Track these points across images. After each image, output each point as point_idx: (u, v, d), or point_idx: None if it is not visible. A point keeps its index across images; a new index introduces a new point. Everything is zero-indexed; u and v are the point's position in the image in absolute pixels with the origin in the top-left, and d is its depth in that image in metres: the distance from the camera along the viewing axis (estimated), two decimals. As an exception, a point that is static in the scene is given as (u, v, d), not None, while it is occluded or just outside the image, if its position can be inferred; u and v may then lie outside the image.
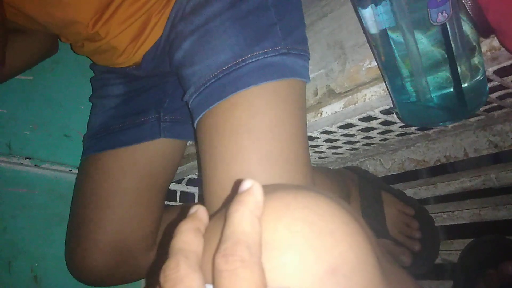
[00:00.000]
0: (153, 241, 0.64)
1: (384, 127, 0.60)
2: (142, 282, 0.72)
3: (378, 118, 0.55)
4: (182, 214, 0.63)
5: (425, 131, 0.67)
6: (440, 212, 0.70)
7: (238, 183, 0.26)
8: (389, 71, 0.43)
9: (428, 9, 0.36)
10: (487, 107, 0.57)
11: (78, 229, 0.60)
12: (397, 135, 0.67)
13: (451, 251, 0.68)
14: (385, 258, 0.32)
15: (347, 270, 0.24)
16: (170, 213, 0.68)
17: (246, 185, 0.25)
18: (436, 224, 0.68)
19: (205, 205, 0.43)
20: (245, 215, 0.23)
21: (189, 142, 0.69)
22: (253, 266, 0.21)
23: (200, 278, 0.22)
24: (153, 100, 0.64)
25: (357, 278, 0.24)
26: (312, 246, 0.24)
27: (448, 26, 0.37)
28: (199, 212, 0.26)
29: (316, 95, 0.51)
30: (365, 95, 0.48)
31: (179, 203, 0.80)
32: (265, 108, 0.43)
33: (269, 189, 0.27)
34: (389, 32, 0.40)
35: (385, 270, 0.28)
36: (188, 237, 0.24)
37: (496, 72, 0.45)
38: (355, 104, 0.48)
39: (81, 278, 0.60)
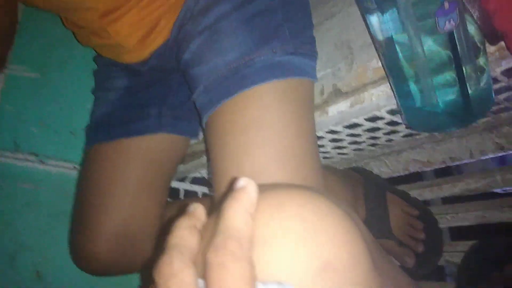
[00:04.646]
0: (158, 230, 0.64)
1: (390, 127, 0.60)
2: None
3: (384, 118, 0.55)
4: (181, 210, 0.63)
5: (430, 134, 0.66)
6: (445, 214, 0.70)
7: (234, 181, 0.26)
8: (394, 76, 0.43)
9: (436, 17, 0.36)
10: (494, 108, 0.57)
11: (82, 216, 0.60)
12: (403, 136, 0.66)
13: (454, 253, 0.68)
14: (382, 257, 0.32)
15: (339, 266, 0.24)
16: (173, 208, 0.69)
17: (240, 183, 0.25)
18: (440, 226, 0.68)
19: (216, 201, 0.44)
20: (237, 211, 0.23)
21: (193, 140, 0.69)
22: (243, 260, 0.21)
23: (193, 273, 0.22)
24: (156, 95, 0.64)
25: (350, 275, 0.24)
26: (304, 242, 0.24)
27: (455, 33, 0.37)
28: (196, 209, 0.27)
29: (323, 94, 0.52)
30: (372, 94, 0.48)
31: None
32: (275, 106, 0.43)
33: (265, 188, 0.27)
34: (395, 39, 0.40)
35: (380, 269, 0.29)
36: (184, 234, 0.24)
37: (503, 73, 0.45)
38: (361, 103, 0.48)
39: (85, 267, 0.60)
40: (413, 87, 0.42)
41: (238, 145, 0.42)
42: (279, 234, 0.24)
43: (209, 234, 0.25)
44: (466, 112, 0.41)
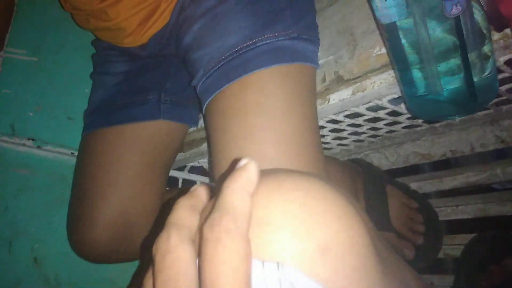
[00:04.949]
0: None
1: (391, 118, 0.59)
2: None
3: (385, 108, 0.54)
4: (182, 193, 0.63)
5: (431, 125, 0.66)
6: (444, 206, 0.70)
7: (235, 162, 0.26)
8: (399, 63, 0.42)
9: (443, 1, 0.36)
10: (496, 100, 0.56)
11: (80, 203, 0.60)
12: (404, 127, 0.66)
13: (454, 246, 0.67)
14: (384, 246, 0.32)
15: (338, 250, 0.24)
16: (172, 194, 0.68)
17: (241, 162, 0.25)
18: (440, 218, 0.68)
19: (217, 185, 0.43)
20: (235, 190, 0.23)
21: (192, 128, 0.69)
22: (238, 236, 0.21)
23: (190, 250, 0.22)
24: (155, 81, 0.63)
25: (349, 259, 0.24)
26: (303, 225, 0.24)
27: (461, 19, 0.37)
28: (198, 190, 0.27)
29: (324, 81, 0.51)
30: (374, 82, 0.47)
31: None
32: (277, 91, 0.42)
33: (267, 172, 0.27)
34: (399, 24, 0.40)
35: (382, 256, 0.28)
36: (183, 213, 0.24)
37: (507, 63, 0.45)
38: (363, 91, 0.48)
39: (83, 254, 0.60)
40: (417, 74, 0.41)
41: (240, 130, 0.42)
42: (277, 216, 0.24)
43: (207, 213, 0.25)
44: (470, 100, 0.40)
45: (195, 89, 0.50)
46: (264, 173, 0.27)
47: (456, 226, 0.70)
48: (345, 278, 0.24)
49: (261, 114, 0.41)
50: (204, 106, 0.48)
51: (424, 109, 0.43)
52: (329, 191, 0.26)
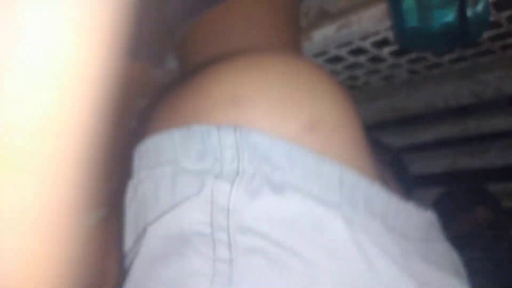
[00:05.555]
0: None
1: (371, 65, 0.57)
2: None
3: (367, 52, 0.52)
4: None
5: (409, 76, 0.65)
6: (416, 159, 0.70)
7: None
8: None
9: None
10: (474, 51, 0.55)
11: None
12: (382, 78, 0.64)
13: (426, 200, 0.68)
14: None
15: (326, 126, 0.22)
16: None
17: None
18: (412, 173, 0.68)
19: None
20: None
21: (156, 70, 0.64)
22: None
23: None
24: None
25: (337, 135, 0.23)
26: (287, 100, 0.22)
27: None
28: None
29: (307, 16, 0.48)
30: (361, 18, 0.44)
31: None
32: (262, 16, 0.39)
33: (242, 52, 0.26)
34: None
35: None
36: None
37: (494, 5, 0.43)
38: (349, 27, 0.45)
39: None
40: (409, 5, 0.39)
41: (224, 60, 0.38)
42: (258, 91, 0.21)
43: None
44: (461, 34, 0.39)
45: (168, 22, 0.45)
46: (242, 52, 0.24)
47: (429, 180, 0.71)
48: (334, 156, 0.23)
49: (245, 40, 0.38)
50: (180, 38, 0.43)
51: (414, 41, 0.41)
52: (317, 69, 0.24)
